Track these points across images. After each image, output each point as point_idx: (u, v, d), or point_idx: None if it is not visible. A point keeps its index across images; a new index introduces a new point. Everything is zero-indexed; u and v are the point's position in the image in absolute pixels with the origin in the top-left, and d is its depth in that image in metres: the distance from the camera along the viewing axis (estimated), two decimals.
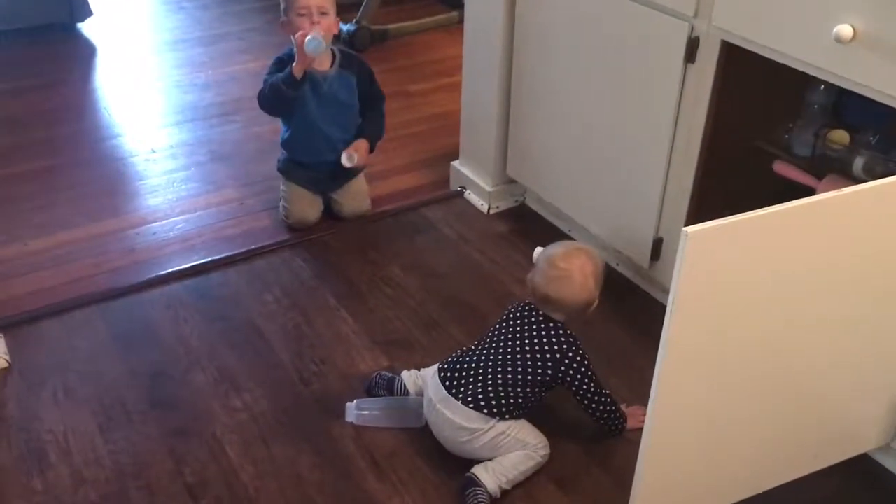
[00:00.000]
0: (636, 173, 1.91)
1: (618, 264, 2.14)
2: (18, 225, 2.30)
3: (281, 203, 2.34)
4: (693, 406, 1.25)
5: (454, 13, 3.66)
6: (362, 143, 2.31)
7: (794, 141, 1.78)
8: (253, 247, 2.22)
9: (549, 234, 2.29)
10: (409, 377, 1.74)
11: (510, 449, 1.57)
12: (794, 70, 1.52)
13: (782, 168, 1.77)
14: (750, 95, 1.72)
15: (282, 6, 2.21)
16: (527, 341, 1.59)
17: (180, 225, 2.32)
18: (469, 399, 1.55)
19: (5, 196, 2.42)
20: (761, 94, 1.73)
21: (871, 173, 1.62)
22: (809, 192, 1.70)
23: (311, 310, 2.02)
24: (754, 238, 1.10)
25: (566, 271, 1.60)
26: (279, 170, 2.36)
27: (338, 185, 2.34)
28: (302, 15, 2.15)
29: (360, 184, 2.39)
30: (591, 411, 1.62)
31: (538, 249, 1.68)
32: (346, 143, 2.30)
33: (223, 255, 2.18)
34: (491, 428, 1.55)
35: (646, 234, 1.93)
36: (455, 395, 1.56)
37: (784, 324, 1.23)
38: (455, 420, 1.55)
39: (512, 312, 1.66)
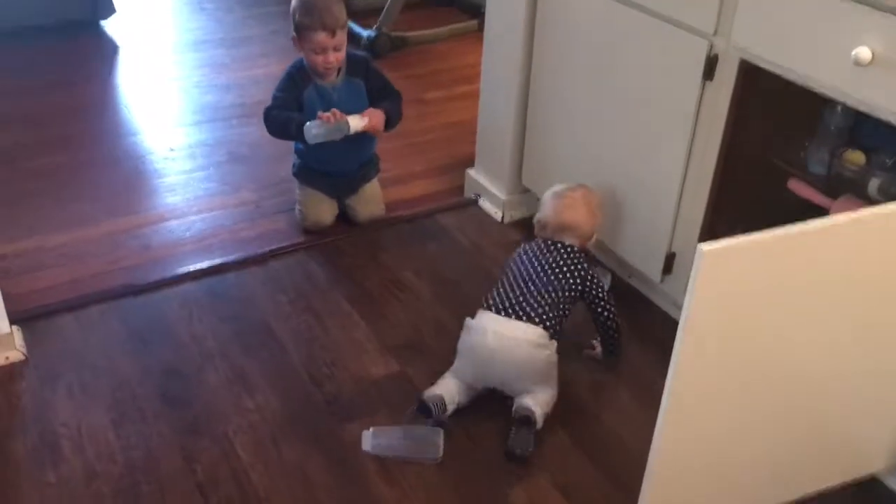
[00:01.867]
0: (651, 188, 1.92)
1: (630, 277, 2.15)
2: (37, 220, 2.32)
3: (297, 206, 2.36)
4: (702, 422, 1.25)
5: (473, 21, 3.68)
6: (376, 112, 2.22)
7: (809, 159, 1.78)
8: (268, 248, 2.24)
9: None
10: (445, 391, 1.72)
11: (549, 380, 1.73)
12: (812, 89, 1.53)
13: (797, 186, 1.77)
14: (767, 113, 1.73)
15: (292, 23, 2.20)
16: (555, 265, 1.80)
17: (197, 224, 2.35)
18: (532, 315, 1.71)
19: (25, 191, 2.45)
20: (778, 112, 1.74)
21: (887, 195, 1.62)
22: (824, 210, 1.71)
23: (324, 313, 2.04)
24: (769, 257, 1.11)
25: (574, 199, 1.91)
26: (294, 174, 2.38)
27: (352, 190, 2.36)
28: (316, 53, 2.17)
29: (374, 189, 2.40)
30: (604, 317, 1.82)
31: (548, 192, 1.95)
32: (360, 152, 2.32)
33: (238, 256, 2.21)
34: (548, 347, 1.71)
35: (659, 249, 1.94)
36: (516, 317, 1.71)
37: (795, 343, 1.23)
38: (521, 338, 1.69)
39: (529, 249, 1.85)
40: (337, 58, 2.18)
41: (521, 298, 1.74)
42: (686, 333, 1.11)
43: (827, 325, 1.25)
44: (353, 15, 3.71)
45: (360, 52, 2.33)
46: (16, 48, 3.34)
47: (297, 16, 2.19)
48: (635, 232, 2.01)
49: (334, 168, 2.31)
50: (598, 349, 1.90)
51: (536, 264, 1.81)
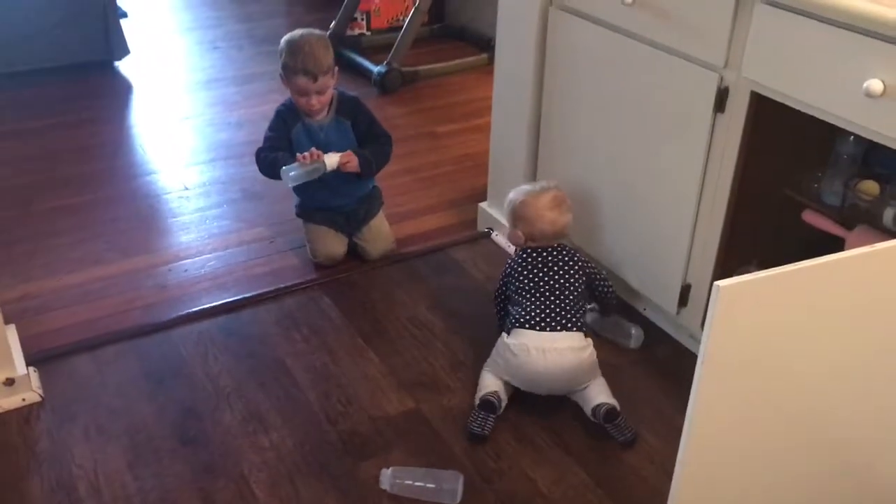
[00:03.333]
0: (665, 219, 1.92)
1: (645, 309, 2.14)
2: (53, 259, 2.34)
3: (306, 244, 2.37)
4: (723, 458, 1.24)
5: (484, 55, 3.71)
6: (348, 155, 2.21)
7: (823, 190, 1.78)
8: (282, 285, 2.25)
9: None
10: (497, 387, 1.82)
11: (596, 372, 1.83)
12: (824, 120, 1.53)
13: (812, 217, 1.77)
14: (779, 144, 1.73)
15: (280, 61, 2.22)
16: (563, 269, 1.88)
17: (211, 262, 2.36)
18: (566, 323, 1.80)
19: (42, 231, 2.47)
20: (791, 143, 1.74)
21: None
22: (839, 241, 1.70)
23: (339, 349, 2.04)
24: (786, 292, 1.10)
25: (560, 200, 1.95)
26: (297, 215, 2.40)
27: (357, 226, 2.36)
28: (300, 95, 2.20)
29: (380, 224, 2.40)
30: (609, 294, 2.00)
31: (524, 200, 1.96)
32: (352, 187, 2.31)
33: (253, 294, 2.21)
34: (587, 345, 1.82)
35: (674, 281, 1.94)
36: (551, 329, 1.79)
37: (816, 377, 1.22)
38: (565, 347, 1.78)
39: (532, 263, 1.89)
40: (320, 101, 2.21)
41: (550, 309, 1.81)
42: (705, 371, 1.10)
43: (848, 358, 1.23)
44: (364, 51, 3.77)
45: (351, 93, 2.34)
46: (32, 89, 3.39)
47: (282, 55, 2.22)
48: (650, 264, 2.01)
49: (332, 204, 2.33)
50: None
51: (552, 273, 1.87)
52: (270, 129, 2.28)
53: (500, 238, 2.46)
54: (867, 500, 1.48)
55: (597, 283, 1.97)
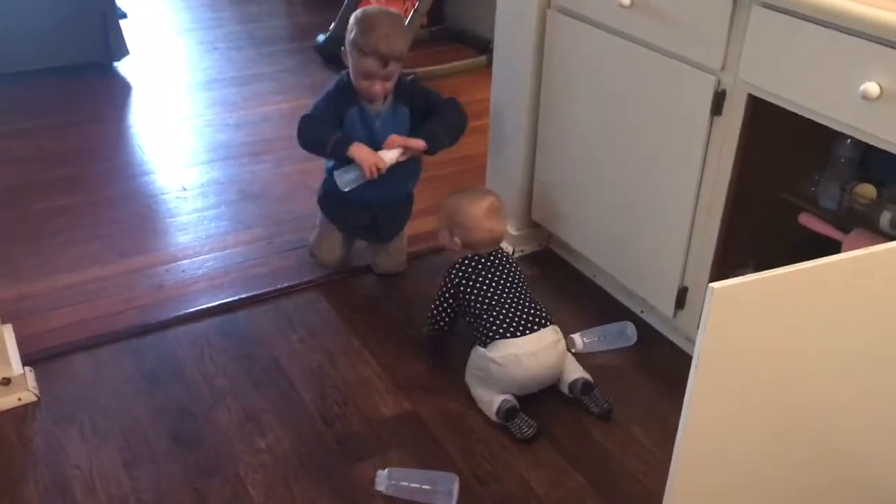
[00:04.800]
0: (661, 222, 1.92)
1: (642, 312, 2.14)
2: (50, 259, 2.34)
3: (312, 235, 2.32)
4: (718, 460, 1.24)
5: (482, 57, 3.71)
6: (414, 140, 2.06)
7: (820, 194, 1.78)
8: (279, 286, 2.25)
9: (573, 279, 2.30)
10: (508, 397, 1.82)
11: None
12: (821, 123, 1.53)
13: (808, 221, 1.77)
14: (776, 147, 1.73)
15: (347, 38, 2.06)
16: (512, 269, 1.91)
17: (209, 263, 2.36)
18: (540, 320, 1.83)
19: (39, 231, 2.47)
20: (788, 147, 1.74)
21: None
22: (836, 244, 1.70)
23: (335, 351, 2.03)
24: (781, 295, 1.10)
25: (500, 211, 1.97)
26: (319, 199, 2.27)
27: (377, 235, 2.26)
28: (364, 77, 2.04)
29: (400, 244, 2.30)
30: None
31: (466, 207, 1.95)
32: (393, 184, 2.14)
33: (250, 294, 2.21)
34: (560, 334, 1.87)
35: (671, 283, 1.94)
36: (530, 330, 1.81)
37: (811, 380, 1.22)
38: (549, 343, 1.82)
39: (483, 270, 1.89)
40: (385, 87, 2.05)
41: (522, 311, 1.83)
42: (699, 373, 1.10)
43: (844, 363, 1.23)
44: None
45: (407, 77, 2.16)
46: (32, 89, 3.39)
47: (353, 32, 2.03)
48: (647, 267, 2.01)
49: (366, 199, 2.14)
50: (595, 337, 2.05)
51: (507, 277, 1.89)
52: (324, 99, 2.10)
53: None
54: (863, 502, 1.48)
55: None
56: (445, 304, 1.93)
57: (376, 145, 2.06)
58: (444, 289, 1.93)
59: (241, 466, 1.71)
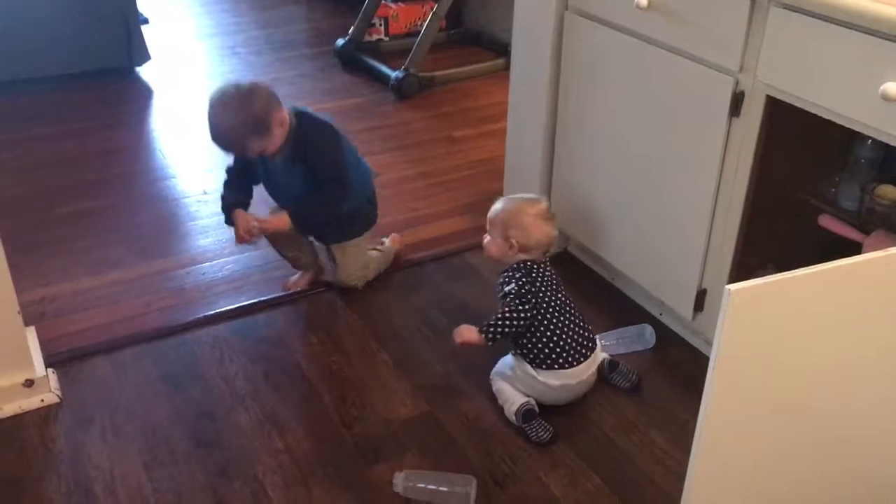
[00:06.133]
0: (680, 224, 1.92)
1: (661, 314, 2.13)
2: (73, 263, 2.37)
3: None
4: (735, 463, 1.23)
5: (500, 60, 3.71)
6: (279, 217, 2.07)
7: (840, 195, 1.77)
8: (298, 289, 2.26)
9: (592, 281, 2.29)
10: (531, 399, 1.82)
11: None
12: (841, 124, 1.52)
13: (828, 222, 1.76)
14: (795, 148, 1.72)
15: None
16: (561, 285, 1.88)
17: (229, 266, 2.37)
18: (591, 345, 1.84)
19: (62, 234, 2.50)
20: (807, 148, 1.73)
21: None
22: (856, 245, 1.69)
23: (354, 353, 2.04)
24: (799, 297, 1.09)
25: (552, 217, 1.93)
26: None
27: (328, 239, 2.22)
28: None
29: (346, 254, 2.20)
30: None
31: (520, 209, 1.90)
32: (303, 211, 2.09)
33: (269, 297, 2.22)
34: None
35: (689, 286, 1.93)
36: (584, 357, 1.81)
37: (829, 382, 1.21)
38: (594, 368, 1.85)
39: (545, 281, 1.85)
40: (266, 151, 1.99)
41: (580, 336, 1.82)
42: (716, 374, 1.09)
43: (863, 365, 1.22)
44: (382, 56, 3.79)
45: (318, 121, 2.09)
46: (55, 95, 3.43)
47: None
48: (665, 269, 2.00)
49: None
50: (612, 340, 2.05)
51: (560, 293, 1.85)
52: (228, 172, 2.14)
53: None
54: (880, 502, 1.47)
55: None
56: (523, 312, 1.79)
57: (277, 187, 2.12)
58: (518, 293, 1.81)
59: (260, 468, 1.72)
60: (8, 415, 1.83)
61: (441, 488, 1.64)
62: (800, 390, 1.19)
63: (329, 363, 2.01)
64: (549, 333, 1.79)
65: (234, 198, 2.11)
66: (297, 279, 2.27)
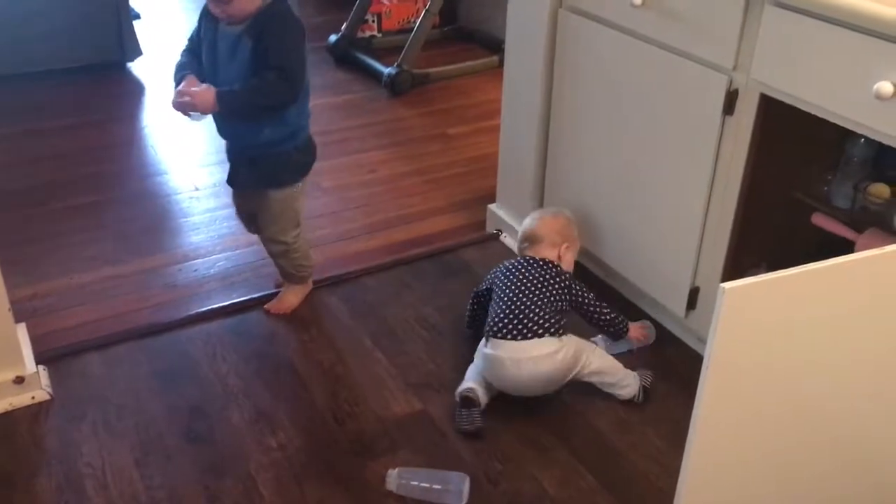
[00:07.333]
0: (673, 222, 1.92)
1: (654, 312, 2.13)
2: (64, 258, 2.36)
3: None
4: (729, 461, 1.23)
5: (494, 57, 3.71)
6: (205, 90, 1.81)
7: (833, 193, 1.77)
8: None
9: (585, 279, 2.29)
10: (477, 387, 1.83)
11: (577, 363, 1.81)
12: (834, 122, 1.52)
13: (821, 220, 1.76)
14: (789, 147, 1.72)
15: None
16: (537, 281, 1.89)
17: (221, 262, 2.37)
18: (537, 329, 1.78)
19: (53, 230, 2.49)
20: (800, 146, 1.73)
21: None
22: (849, 244, 1.69)
23: (347, 350, 2.04)
24: (793, 295, 1.09)
25: (545, 214, 2.10)
26: None
27: (249, 186, 2.01)
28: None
29: (283, 198, 1.99)
30: (596, 319, 1.94)
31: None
32: (231, 128, 1.94)
33: (262, 293, 2.22)
34: (562, 346, 1.78)
35: (682, 284, 1.93)
36: (522, 336, 1.77)
37: (823, 382, 1.21)
38: (535, 355, 1.76)
39: (510, 266, 1.94)
40: (223, 10, 1.80)
41: (521, 316, 1.80)
42: (710, 373, 1.09)
43: (855, 360, 1.23)
44: (375, 53, 3.78)
45: (281, 3, 1.85)
46: (46, 90, 3.42)
47: None
48: (658, 267, 2.00)
49: (227, 138, 1.99)
50: (600, 343, 1.97)
51: (522, 279, 1.87)
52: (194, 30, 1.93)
53: (508, 240, 2.46)
54: (874, 502, 1.47)
55: (586, 313, 1.92)
56: (476, 288, 2.03)
57: (216, 65, 1.88)
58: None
59: (253, 465, 1.71)
60: None
61: (434, 486, 1.64)
62: (793, 389, 1.19)
63: (322, 360, 2.01)
64: (492, 304, 1.87)
65: (191, 65, 1.91)
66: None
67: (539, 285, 1.86)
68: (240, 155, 2.00)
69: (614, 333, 1.95)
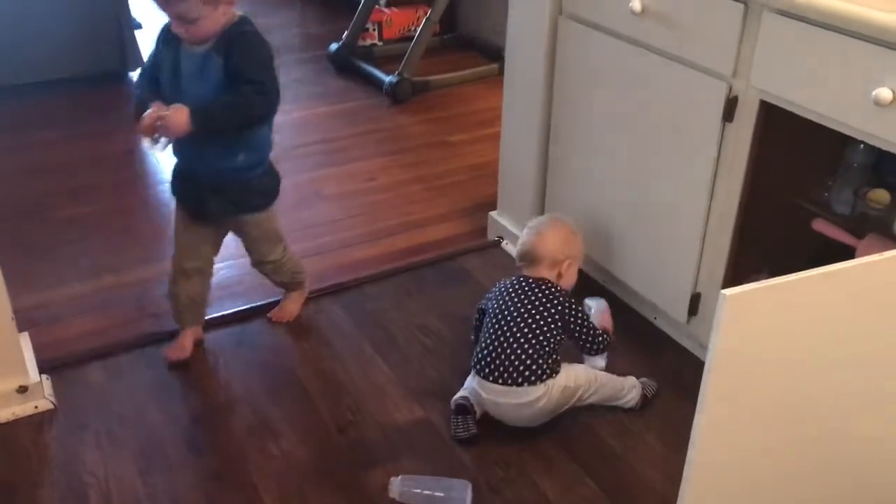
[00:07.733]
0: (674, 228, 1.92)
1: (655, 318, 2.13)
2: (66, 269, 2.36)
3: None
4: (731, 467, 1.23)
5: (494, 65, 3.72)
6: (177, 110, 1.71)
7: (833, 199, 1.77)
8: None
9: (586, 285, 2.29)
10: (472, 396, 1.82)
11: (569, 396, 1.77)
12: (834, 129, 1.53)
13: (822, 226, 1.76)
14: (789, 153, 1.73)
15: None
16: (529, 304, 1.82)
17: (223, 271, 2.36)
18: (521, 380, 1.72)
19: (55, 240, 2.49)
20: (800, 152, 1.74)
21: None
22: (850, 249, 1.70)
23: (348, 358, 2.04)
24: (794, 301, 1.09)
25: (542, 226, 2.00)
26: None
27: (226, 215, 1.92)
28: (172, 20, 1.74)
29: (260, 222, 1.97)
30: (587, 349, 1.88)
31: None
32: (201, 153, 1.83)
33: (264, 302, 2.22)
34: (549, 391, 1.73)
35: (683, 290, 1.93)
36: (505, 383, 1.73)
37: (824, 388, 1.21)
38: (520, 402, 1.73)
39: (503, 288, 1.87)
40: (189, 31, 1.72)
41: (503, 359, 1.73)
42: (712, 379, 1.09)
43: (857, 367, 1.23)
44: (376, 61, 3.79)
45: (247, 24, 1.78)
46: (47, 99, 3.42)
47: None
48: (660, 273, 2.00)
49: (193, 168, 1.87)
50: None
51: (513, 309, 1.78)
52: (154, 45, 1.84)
53: (509, 247, 2.46)
54: None
55: (578, 341, 1.84)
56: (476, 313, 1.96)
57: (180, 88, 1.78)
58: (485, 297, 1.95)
59: (255, 473, 1.71)
60: (1, 421, 1.82)
61: (437, 493, 1.64)
62: (795, 394, 1.20)
63: (323, 368, 2.01)
64: (483, 329, 1.83)
65: (151, 94, 1.79)
66: (181, 340, 2.01)
67: (529, 320, 1.75)
68: (203, 183, 1.87)
69: (598, 352, 1.89)
